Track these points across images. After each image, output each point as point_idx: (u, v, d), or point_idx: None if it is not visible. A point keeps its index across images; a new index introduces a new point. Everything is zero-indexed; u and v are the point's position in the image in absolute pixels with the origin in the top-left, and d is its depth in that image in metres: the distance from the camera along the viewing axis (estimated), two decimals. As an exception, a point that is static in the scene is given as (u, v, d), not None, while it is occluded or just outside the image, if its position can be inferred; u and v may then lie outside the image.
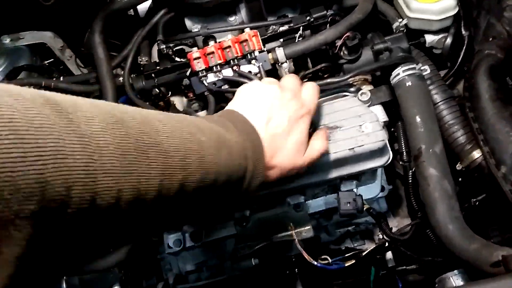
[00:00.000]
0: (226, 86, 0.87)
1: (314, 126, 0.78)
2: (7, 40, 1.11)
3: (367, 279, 1.11)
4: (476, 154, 0.86)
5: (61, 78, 1.04)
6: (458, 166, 0.90)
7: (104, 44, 0.98)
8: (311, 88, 0.71)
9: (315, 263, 0.82)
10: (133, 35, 1.02)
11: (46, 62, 1.15)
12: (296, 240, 0.83)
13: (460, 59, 1.00)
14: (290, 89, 0.67)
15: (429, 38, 1.01)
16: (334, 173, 0.80)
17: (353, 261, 0.87)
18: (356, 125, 0.77)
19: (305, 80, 0.90)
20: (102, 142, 0.37)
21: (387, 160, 0.80)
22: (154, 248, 1.04)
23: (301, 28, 0.87)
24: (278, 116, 0.63)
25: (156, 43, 0.96)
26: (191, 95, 0.93)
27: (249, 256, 0.93)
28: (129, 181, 0.39)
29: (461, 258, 0.76)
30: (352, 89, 0.88)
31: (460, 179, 0.94)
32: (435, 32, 1.00)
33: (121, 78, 0.98)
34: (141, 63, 0.97)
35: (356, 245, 1.15)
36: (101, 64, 0.97)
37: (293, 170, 0.66)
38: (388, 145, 0.81)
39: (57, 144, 0.33)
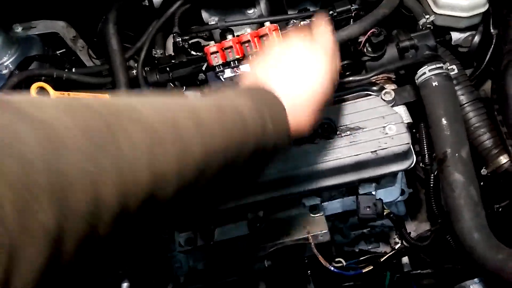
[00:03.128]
0: (243, 82, 0.83)
1: (334, 126, 0.75)
2: (19, 29, 1.08)
3: (381, 283, 1.09)
4: (504, 159, 0.82)
5: (73, 70, 1.02)
6: (483, 171, 0.86)
7: (118, 35, 0.95)
8: (325, 37, 0.61)
9: (332, 268, 0.79)
10: (147, 26, 0.99)
11: (58, 52, 1.12)
12: (312, 244, 0.80)
13: (487, 58, 0.96)
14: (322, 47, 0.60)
15: (456, 36, 0.97)
16: (354, 176, 0.77)
17: (371, 267, 0.84)
18: (380, 126, 0.74)
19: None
20: None
21: (411, 164, 0.76)
22: (164, 246, 1.02)
23: (323, 23, 0.83)
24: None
25: (172, 36, 0.93)
26: (207, 90, 0.90)
27: (262, 257, 0.91)
28: (105, 160, 0.31)
29: (485, 268, 0.73)
30: (375, 88, 0.84)
31: (482, 183, 0.90)
32: (462, 30, 0.95)
33: (134, 71, 0.96)
34: (156, 56, 0.94)
35: (370, 247, 1.11)
36: (115, 56, 0.94)
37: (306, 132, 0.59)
38: (412, 149, 0.77)
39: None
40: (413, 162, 0.76)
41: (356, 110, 0.76)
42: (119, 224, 0.32)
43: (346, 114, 0.76)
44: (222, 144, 0.43)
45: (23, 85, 0.95)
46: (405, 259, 1.03)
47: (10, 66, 1.04)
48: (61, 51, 1.13)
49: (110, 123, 0.33)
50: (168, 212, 0.40)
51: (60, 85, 0.95)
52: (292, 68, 0.57)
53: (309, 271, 1.04)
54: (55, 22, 1.09)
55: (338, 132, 0.75)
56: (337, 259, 1.04)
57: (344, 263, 1.02)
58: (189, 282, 0.96)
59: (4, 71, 1.03)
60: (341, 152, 0.73)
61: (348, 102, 0.78)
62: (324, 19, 0.64)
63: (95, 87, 0.98)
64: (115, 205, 0.30)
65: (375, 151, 0.72)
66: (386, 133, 0.73)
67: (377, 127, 0.74)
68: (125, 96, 0.44)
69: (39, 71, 0.97)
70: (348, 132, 0.75)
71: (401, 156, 0.74)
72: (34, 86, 0.84)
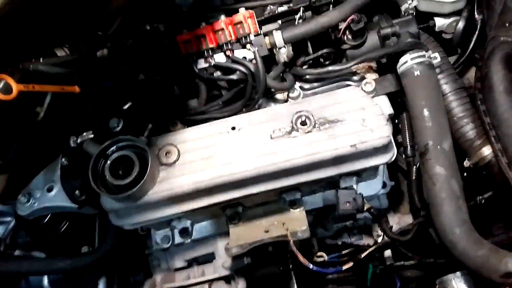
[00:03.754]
0: (218, 73, 0.79)
1: (312, 119, 0.72)
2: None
3: (364, 275, 1.07)
4: (487, 150, 0.80)
5: (41, 60, 0.96)
6: (466, 163, 0.84)
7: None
8: None
9: (311, 266, 0.76)
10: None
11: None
12: (291, 241, 0.77)
13: (472, 45, 0.93)
14: None
15: (439, 22, 0.94)
16: (334, 170, 0.74)
17: (351, 264, 0.82)
18: (360, 119, 0.70)
19: (305, 67, 0.83)
20: None
21: (391, 157, 0.73)
22: (142, 243, 0.98)
23: (301, 9, 0.79)
24: None
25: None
26: (180, 82, 0.85)
27: (241, 255, 0.88)
28: None
29: (466, 264, 0.72)
30: (355, 78, 0.81)
31: (465, 174, 0.88)
32: (446, 15, 0.92)
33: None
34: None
35: (353, 240, 1.10)
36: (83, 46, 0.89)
37: None
38: (393, 141, 0.74)
39: None
40: (394, 155, 0.74)
41: (335, 102, 0.73)
42: None
43: (325, 105, 0.73)
44: None
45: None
46: (387, 252, 1.02)
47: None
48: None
49: None
50: None
51: (25, 78, 0.90)
52: None
53: (291, 266, 1.02)
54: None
55: (316, 125, 0.71)
56: (319, 253, 1.02)
57: (326, 258, 1.00)
58: (167, 281, 0.92)
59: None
60: (319, 146, 0.70)
61: (327, 93, 0.75)
62: None
63: (63, 78, 0.93)
64: None
65: (355, 145, 0.69)
66: (366, 126, 0.70)
67: (357, 119, 0.70)
68: None
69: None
70: (327, 125, 0.71)
71: (381, 149, 0.71)
72: (-6, 79, 0.78)
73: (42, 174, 0.93)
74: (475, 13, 0.92)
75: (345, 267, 0.82)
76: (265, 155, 0.72)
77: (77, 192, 0.85)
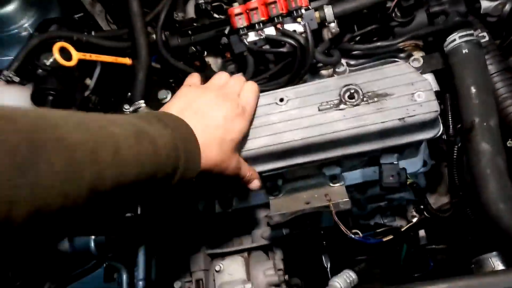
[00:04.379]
0: (267, 46, 0.82)
1: (361, 92, 0.73)
2: (37, -9, 1.07)
3: (397, 256, 1.09)
4: (532, 130, 0.81)
5: (93, 33, 1.00)
6: (510, 143, 0.84)
7: (139, -2, 0.93)
8: (250, 89, 0.71)
9: (352, 236, 0.78)
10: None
11: (76, 16, 1.11)
12: (334, 211, 0.79)
13: (517, 28, 0.93)
14: (220, 88, 0.69)
15: (485, 4, 0.93)
16: (379, 144, 0.75)
17: (391, 237, 0.84)
18: (408, 93, 0.71)
19: (352, 43, 0.84)
20: None
21: (437, 133, 0.74)
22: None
23: (351, -14, 0.81)
24: (213, 115, 0.63)
25: (193, -1, 0.91)
26: (229, 56, 0.88)
27: (280, 225, 0.91)
28: (24, 183, 0.33)
29: (509, 238, 0.72)
30: (402, 55, 0.82)
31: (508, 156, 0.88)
32: (492, -2, 0.92)
33: (154, 35, 0.94)
34: (177, 19, 0.92)
35: (386, 221, 1.11)
36: (135, 19, 0.92)
37: (228, 169, 0.65)
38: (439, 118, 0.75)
39: None
40: (440, 130, 0.74)
41: (383, 76, 0.73)
42: (27, 237, 0.36)
43: (373, 80, 0.74)
44: (132, 176, 0.45)
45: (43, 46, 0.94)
46: (421, 233, 1.03)
47: (29, 29, 1.03)
48: (79, 15, 1.12)
49: (33, 140, 0.35)
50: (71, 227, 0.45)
51: (79, 49, 0.94)
52: (204, 111, 0.63)
53: (324, 242, 1.04)
54: (73, -15, 1.07)
55: (365, 99, 0.73)
56: (354, 231, 1.04)
57: (361, 235, 1.02)
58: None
59: (24, 33, 1.02)
60: (367, 119, 0.71)
61: (375, 68, 0.76)
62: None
63: (114, 51, 0.97)
64: (24, 224, 0.33)
65: (403, 118, 0.70)
66: (415, 100, 0.70)
67: (405, 94, 0.71)
68: (51, 110, 0.46)
69: (58, 34, 0.95)
70: (375, 99, 0.72)
71: (429, 124, 0.72)
72: (57, 46, 0.83)
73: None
74: (523, -4, 0.91)
75: (385, 239, 0.84)
76: (313, 126, 0.73)
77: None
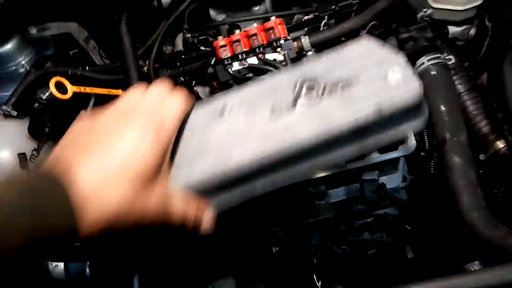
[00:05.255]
0: (251, 74, 0.88)
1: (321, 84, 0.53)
2: (33, 31, 1.13)
3: (382, 270, 1.12)
4: (500, 144, 0.86)
5: (87, 68, 1.06)
6: (481, 157, 0.90)
7: (130, 34, 1.00)
8: (173, 101, 0.51)
9: (335, 248, 0.82)
10: (157, 25, 1.04)
11: (71, 52, 1.17)
12: (319, 227, 0.83)
13: (483, 50, 1.00)
14: (126, 107, 0.49)
15: (453, 29, 1.01)
16: (356, 147, 0.51)
17: (375, 250, 0.88)
18: (380, 75, 0.51)
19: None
20: None
21: (425, 120, 0.52)
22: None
23: (326, 17, 0.88)
24: (109, 144, 0.45)
25: (181, 33, 0.98)
26: (215, 84, 0.94)
27: (270, 244, 0.94)
28: None
29: (484, 246, 0.76)
30: (375, 79, 0.88)
31: (481, 171, 0.93)
32: (459, 23, 1.00)
33: (145, 68, 1.00)
34: (166, 52, 0.98)
35: (374, 237, 1.15)
36: (127, 54, 0.99)
37: (146, 212, 0.45)
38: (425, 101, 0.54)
39: None
40: (426, 116, 0.52)
41: (345, 58, 0.56)
42: None
43: (334, 65, 0.55)
44: None
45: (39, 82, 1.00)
46: (408, 247, 1.06)
47: (26, 66, 1.09)
48: (73, 51, 1.18)
49: None
50: None
51: (74, 82, 1.00)
52: (96, 142, 0.45)
53: (314, 260, 1.07)
54: (68, 23, 1.14)
55: (326, 91, 0.52)
56: (343, 247, 1.07)
57: (349, 251, 1.05)
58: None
59: (21, 70, 1.08)
60: (333, 115, 0.49)
61: (334, 52, 0.58)
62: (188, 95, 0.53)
63: (107, 84, 1.02)
64: None
65: (379, 107, 0.47)
66: (390, 82, 0.50)
67: (376, 76, 0.51)
68: None
69: (54, 69, 1.02)
70: (339, 89, 0.52)
71: (413, 110, 0.50)
72: (53, 81, 0.88)
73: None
74: (486, 20, 0.99)
75: (370, 252, 0.87)
76: (266, 137, 0.51)
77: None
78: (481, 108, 0.90)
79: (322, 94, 0.52)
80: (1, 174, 0.40)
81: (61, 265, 1.10)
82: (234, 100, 0.57)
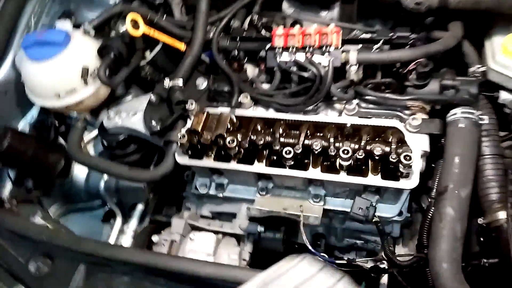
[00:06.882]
0: (294, 68, 0.95)
1: None
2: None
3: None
4: (502, 215, 0.87)
5: (164, 17, 1.19)
6: (480, 220, 0.91)
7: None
8: None
9: (310, 247, 0.88)
10: (234, 1, 1.14)
11: (157, 1, 1.30)
12: (302, 221, 0.89)
13: (525, 126, 0.99)
14: None
15: (504, 95, 1.01)
16: None
17: (344, 261, 0.92)
18: None
19: (367, 87, 0.95)
20: None
21: None
22: (183, 185, 1.16)
23: (381, 41, 0.93)
24: None
25: (251, 14, 1.07)
26: (263, 67, 1.02)
27: (256, 220, 1.02)
28: None
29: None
30: (407, 112, 0.91)
31: (478, 233, 0.94)
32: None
33: (211, 33, 1.10)
34: (231, 25, 1.08)
35: (358, 260, 1.18)
36: (200, 16, 1.10)
37: None
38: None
39: None
40: None
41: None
42: None
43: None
44: None
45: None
46: (384, 279, 1.09)
47: (116, -2, 1.24)
48: (160, 1, 1.31)
49: None
50: None
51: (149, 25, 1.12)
52: None
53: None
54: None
55: None
56: (322, 254, 1.12)
57: (327, 257, 1.10)
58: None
59: (111, 2, 1.23)
60: None
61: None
62: None
63: (175, 36, 1.14)
64: None
65: None
66: None
67: None
68: None
69: (137, 8, 1.15)
70: None
71: None
72: (130, 16, 1.01)
73: (133, 100, 1.15)
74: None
75: (338, 261, 0.92)
76: None
77: (153, 122, 1.04)
78: (498, 176, 0.91)
79: None
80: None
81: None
82: None
